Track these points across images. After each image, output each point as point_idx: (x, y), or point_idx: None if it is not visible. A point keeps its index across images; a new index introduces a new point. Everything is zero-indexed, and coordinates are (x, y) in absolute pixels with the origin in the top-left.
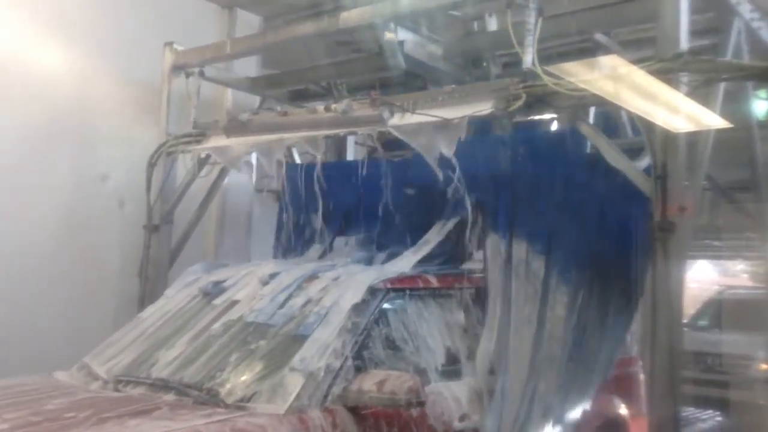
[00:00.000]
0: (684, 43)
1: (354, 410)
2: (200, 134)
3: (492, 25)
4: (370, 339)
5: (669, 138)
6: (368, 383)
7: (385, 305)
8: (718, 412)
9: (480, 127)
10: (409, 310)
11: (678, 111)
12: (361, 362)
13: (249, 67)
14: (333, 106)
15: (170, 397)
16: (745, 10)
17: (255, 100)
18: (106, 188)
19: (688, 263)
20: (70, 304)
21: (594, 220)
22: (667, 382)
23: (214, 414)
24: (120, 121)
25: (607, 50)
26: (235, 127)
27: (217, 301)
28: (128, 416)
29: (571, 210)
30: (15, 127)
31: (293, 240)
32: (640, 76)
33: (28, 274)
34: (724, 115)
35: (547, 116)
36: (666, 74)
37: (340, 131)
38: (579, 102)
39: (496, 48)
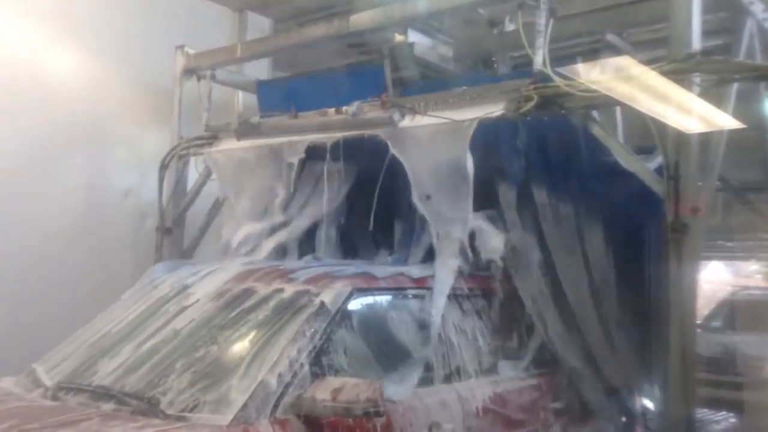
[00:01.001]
0: (696, 43)
1: (309, 420)
2: (212, 137)
3: (510, 27)
4: (331, 344)
5: (682, 139)
6: (322, 392)
7: (351, 307)
8: (732, 414)
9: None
10: (380, 312)
11: (690, 112)
12: (319, 369)
13: (260, 69)
14: (343, 108)
15: (109, 406)
16: (758, 9)
17: None
18: (119, 192)
19: (701, 264)
20: (83, 307)
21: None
22: (680, 383)
23: (147, 426)
24: (132, 125)
25: (618, 51)
26: (247, 129)
27: (171, 303)
28: (51, 428)
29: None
30: (27, 132)
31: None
32: (652, 76)
33: (40, 277)
34: (736, 115)
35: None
36: (678, 75)
37: (351, 133)
38: (590, 103)
39: (506, 49)
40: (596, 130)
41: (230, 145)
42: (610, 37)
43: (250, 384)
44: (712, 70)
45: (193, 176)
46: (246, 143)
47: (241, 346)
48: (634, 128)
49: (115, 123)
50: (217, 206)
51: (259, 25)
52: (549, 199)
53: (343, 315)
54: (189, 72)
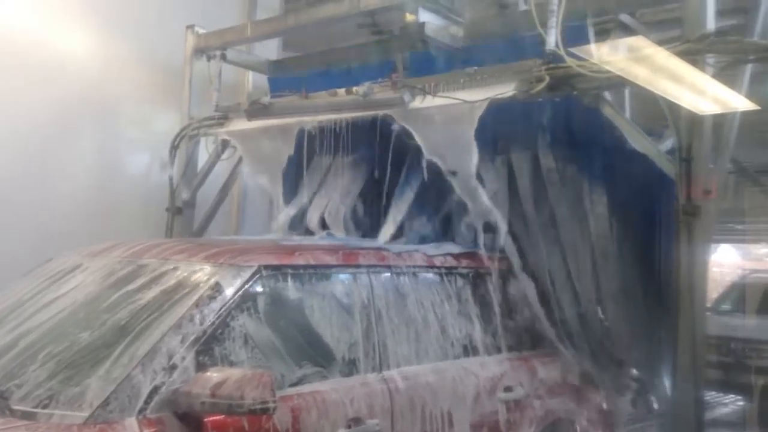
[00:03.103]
0: (710, 23)
1: (188, 419)
2: (222, 117)
3: (521, 5)
4: (228, 331)
5: (695, 120)
6: (201, 386)
7: (256, 287)
8: (740, 397)
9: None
10: (296, 293)
11: (704, 93)
12: (210, 360)
13: (270, 49)
14: (354, 88)
15: None
16: None
17: None
18: (129, 171)
19: (712, 247)
20: None
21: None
22: (690, 366)
23: None
24: (142, 105)
25: (631, 31)
26: (257, 110)
27: (58, 283)
28: None
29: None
30: (37, 112)
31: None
32: (665, 57)
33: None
34: (750, 96)
35: None
36: (692, 55)
37: (362, 114)
38: (603, 84)
39: (519, 29)
40: (608, 111)
41: (241, 125)
42: (623, 17)
43: (118, 377)
44: (726, 50)
45: (203, 156)
46: (258, 123)
47: (116, 333)
48: (643, 110)
49: (126, 103)
50: (227, 186)
51: (270, 4)
52: (558, 169)
53: (246, 297)
54: (199, 52)
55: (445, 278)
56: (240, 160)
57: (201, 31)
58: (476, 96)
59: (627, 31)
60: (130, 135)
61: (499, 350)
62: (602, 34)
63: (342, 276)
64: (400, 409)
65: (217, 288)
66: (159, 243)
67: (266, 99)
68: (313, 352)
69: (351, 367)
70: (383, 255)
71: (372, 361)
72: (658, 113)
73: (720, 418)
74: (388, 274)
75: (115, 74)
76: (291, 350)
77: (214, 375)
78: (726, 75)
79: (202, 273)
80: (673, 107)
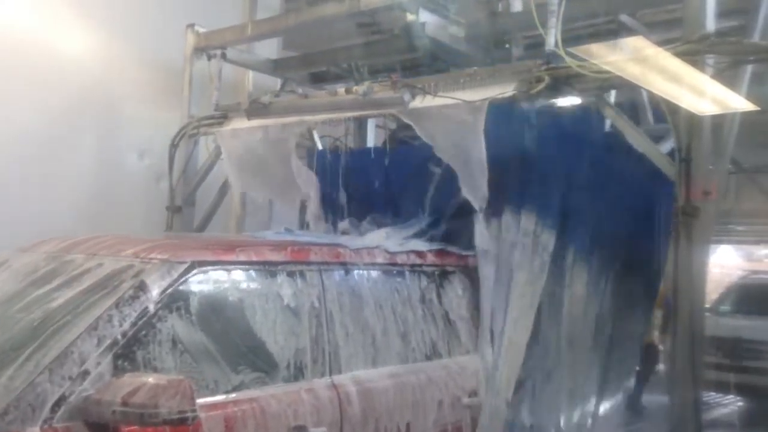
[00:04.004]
0: (710, 24)
1: (100, 429)
2: (222, 116)
3: (517, 6)
4: (153, 333)
5: (694, 121)
6: (112, 393)
7: (188, 286)
8: (738, 398)
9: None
10: (235, 293)
11: (703, 93)
12: (131, 366)
13: (270, 49)
14: (354, 88)
15: None
16: None
17: (276, 82)
18: (129, 169)
19: (711, 248)
20: None
21: (615, 201)
22: (688, 366)
23: None
24: (142, 104)
25: (632, 32)
26: (257, 109)
27: None
28: None
29: (589, 189)
30: (39, 111)
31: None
32: (665, 58)
33: None
34: (750, 97)
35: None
36: (692, 56)
37: (361, 113)
38: (603, 84)
39: (519, 30)
40: (608, 112)
41: (240, 124)
42: (624, 18)
43: (20, 384)
44: (726, 51)
45: (203, 155)
46: (257, 122)
47: (26, 336)
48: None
49: (126, 102)
50: (227, 185)
51: (270, 4)
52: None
53: (176, 296)
54: (199, 51)
55: (408, 277)
56: None
57: (201, 30)
58: (477, 96)
59: (628, 31)
60: (130, 134)
61: (466, 352)
62: (603, 35)
63: (289, 274)
64: (351, 416)
65: (142, 286)
66: (93, 237)
67: (266, 98)
68: (252, 356)
69: (297, 372)
70: (338, 252)
71: (321, 366)
72: None
73: (719, 419)
74: (343, 272)
75: (115, 73)
76: (227, 354)
77: (127, 382)
78: (726, 76)
79: (129, 270)
80: (673, 108)
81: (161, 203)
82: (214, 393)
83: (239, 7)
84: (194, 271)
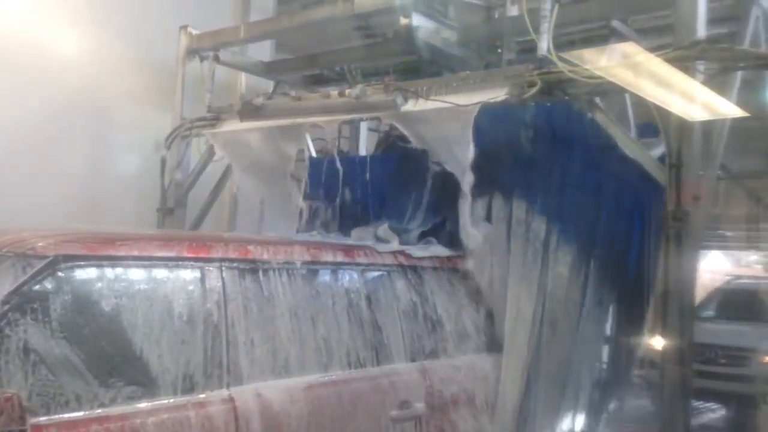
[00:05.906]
0: (701, 30)
1: None
2: (214, 118)
3: (512, 11)
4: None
5: (684, 126)
6: None
7: (48, 284)
8: (722, 405)
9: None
10: (109, 293)
11: (694, 99)
12: None
13: (263, 51)
14: (347, 91)
15: None
16: None
17: (269, 84)
18: (121, 171)
19: (700, 253)
20: None
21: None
22: (677, 372)
23: None
24: (135, 105)
25: (623, 37)
26: (249, 111)
27: None
28: None
29: (581, 187)
30: (31, 111)
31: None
32: (656, 63)
33: None
34: (740, 104)
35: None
36: (683, 62)
37: (354, 116)
38: (594, 89)
39: (511, 34)
40: (599, 117)
41: (233, 126)
42: (616, 24)
43: None
44: (717, 57)
45: (195, 157)
46: (248, 124)
47: None
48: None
49: (119, 103)
50: (219, 187)
51: (263, 6)
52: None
53: (31, 296)
54: (192, 52)
55: (331, 276)
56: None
57: (194, 31)
58: (469, 100)
59: (619, 37)
60: (123, 135)
61: (402, 359)
62: (595, 41)
63: (180, 272)
64: (251, 430)
65: None
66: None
67: (258, 100)
68: (128, 367)
69: (185, 384)
70: (246, 249)
71: (215, 377)
72: None
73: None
74: (251, 270)
75: (107, 74)
76: (95, 366)
77: None
78: (716, 82)
79: None
80: (664, 113)
81: (153, 205)
82: (74, 410)
83: (232, 10)
84: (58, 267)
